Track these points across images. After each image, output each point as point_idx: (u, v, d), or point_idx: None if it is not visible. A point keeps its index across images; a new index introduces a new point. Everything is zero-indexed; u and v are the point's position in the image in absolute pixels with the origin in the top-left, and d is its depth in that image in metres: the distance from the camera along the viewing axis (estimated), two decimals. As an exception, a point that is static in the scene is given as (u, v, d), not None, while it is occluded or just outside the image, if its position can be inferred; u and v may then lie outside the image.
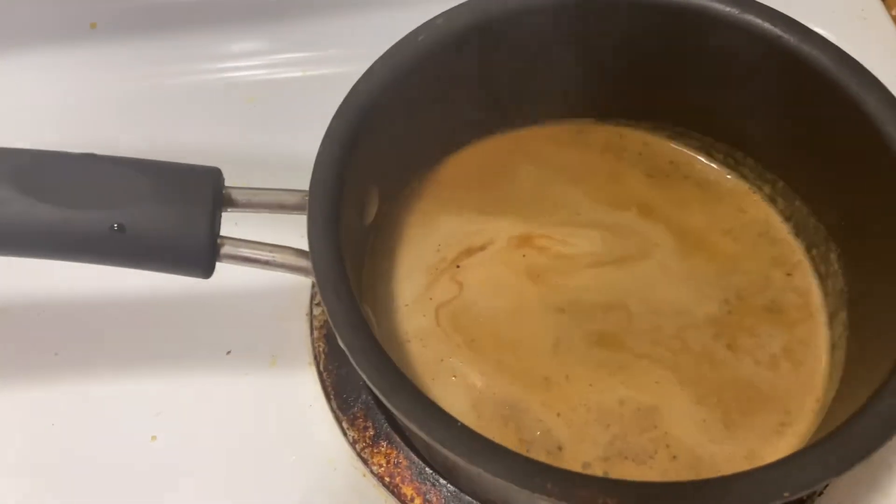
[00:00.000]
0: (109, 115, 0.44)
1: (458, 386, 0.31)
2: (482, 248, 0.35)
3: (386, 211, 0.34)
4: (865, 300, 0.29)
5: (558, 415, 0.30)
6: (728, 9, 0.30)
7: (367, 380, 0.23)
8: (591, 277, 0.34)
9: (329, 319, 0.25)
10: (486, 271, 0.34)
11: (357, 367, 0.24)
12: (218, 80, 0.46)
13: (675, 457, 0.29)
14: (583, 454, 0.29)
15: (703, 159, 0.37)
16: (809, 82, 0.29)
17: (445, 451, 0.22)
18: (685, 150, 0.37)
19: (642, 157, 0.37)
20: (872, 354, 0.26)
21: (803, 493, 0.21)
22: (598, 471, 0.28)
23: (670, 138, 0.37)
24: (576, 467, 0.28)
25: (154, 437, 0.34)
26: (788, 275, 0.34)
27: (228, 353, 0.36)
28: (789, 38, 0.29)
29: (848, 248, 0.31)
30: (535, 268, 0.35)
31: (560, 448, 0.29)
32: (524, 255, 0.35)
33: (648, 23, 0.32)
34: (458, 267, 0.35)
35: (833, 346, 0.31)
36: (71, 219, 0.24)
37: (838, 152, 0.30)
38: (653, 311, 0.32)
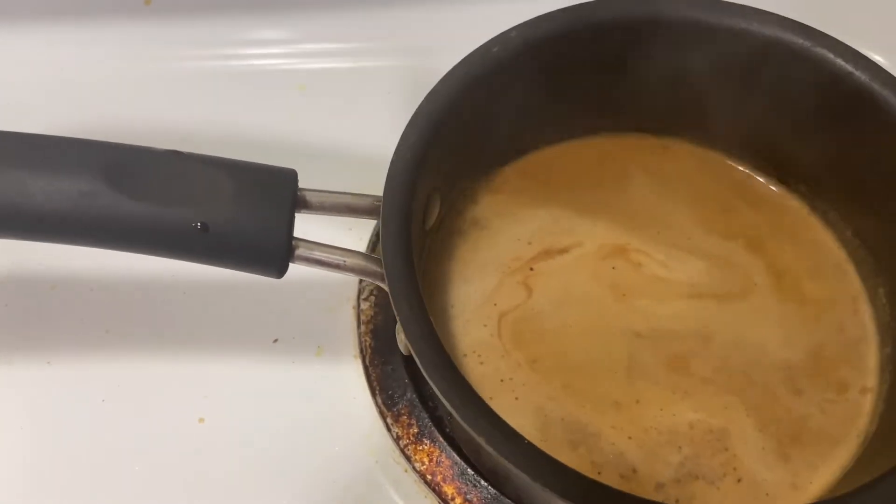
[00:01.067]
0: (160, 93, 0.44)
1: (522, 407, 0.31)
2: (565, 250, 0.34)
3: (445, 216, 0.34)
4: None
5: (630, 437, 0.30)
6: (800, 40, 0.31)
7: (438, 391, 0.24)
8: (685, 308, 0.33)
9: (402, 328, 0.25)
10: (563, 279, 0.34)
11: (428, 378, 0.24)
12: (270, 66, 0.46)
13: (740, 479, 0.30)
14: (656, 476, 0.30)
15: (782, 190, 0.36)
16: (877, 122, 0.30)
17: (511, 467, 0.23)
18: (771, 183, 0.36)
19: (745, 189, 0.36)
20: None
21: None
22: (671, 492, 0.29)
23: (763, 171, 0.37)
24: (650, 488, 0.29)
25: (202, 419, 0.35)
26: (855, 313, 0.34)
27: (275, 341, 0.37)
28: (860, 75, 0.30)
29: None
30: (622, 285, 0.33)
31: (634, 470, 0.30)
32: (614, 268, 0.34)
33: (719, 44, 0.32)
34: (531, 270, 0.34)
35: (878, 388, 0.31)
36: (155, 215, 0.25)
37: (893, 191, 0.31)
38: (733, 345, 0.32)
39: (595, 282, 0.34)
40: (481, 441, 0.23)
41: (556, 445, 0.29)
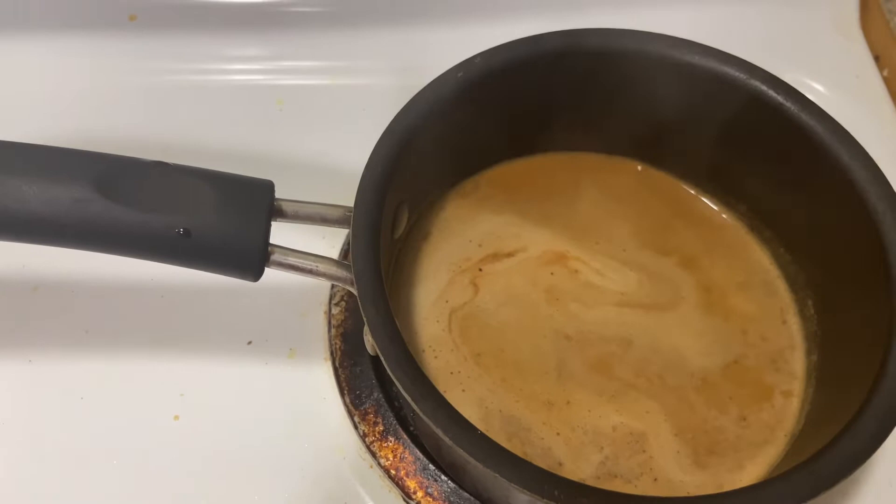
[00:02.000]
0: (144, 105, 0.46)
1: (468, 399, 0.34)
2: (511, 254, 0.37)
3: (412, 224, 0.37)
4: (834, 346, 0.33)
5: (558, 434, 0.33)
6: (737, 73, 0.34)
7: (400, 386, 0.26)
8: (612, 314, 0.36)
9: (368, 329, 0.28)
10: (506, 280, 0.36)
11: (392, 375, 0.27)
12: (250, 81, 0.48)
13: (655, 479, 0.32)
14: (579, 472, 0.32)
15: (723, 209, 0.39)
16: (805, 149, 0.33)
17: (465, 455, 0.25)
18: (713, 203, 0.39)
19: (687, 208, 0.39)
20: (836, 400, 0.30)
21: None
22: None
23: (706, 191, 0.39)
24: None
25: (177, 417, 0.37)
26: (784, 322, 0.36)
27: (249, 343, 0.39)
28: (791, 105, 0.33)
29: (822, 296, 0.34)
30: (557, 289, 0.36)
31: (560, 464, 0.32)
32: (552, 273, 0.37)
33: (666, 75, 0.35)
34: (480, 270, 0.37)
35: (804, 392, 0.34)
36: (142, 221, 0.27)
37: (821, 210, 0.34)
38: (651, 351, 0.35)
39: (533, 285, 0.37)
40: (438, 431, 0.26)
41: (494, 435, 0.31)
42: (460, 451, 0.26)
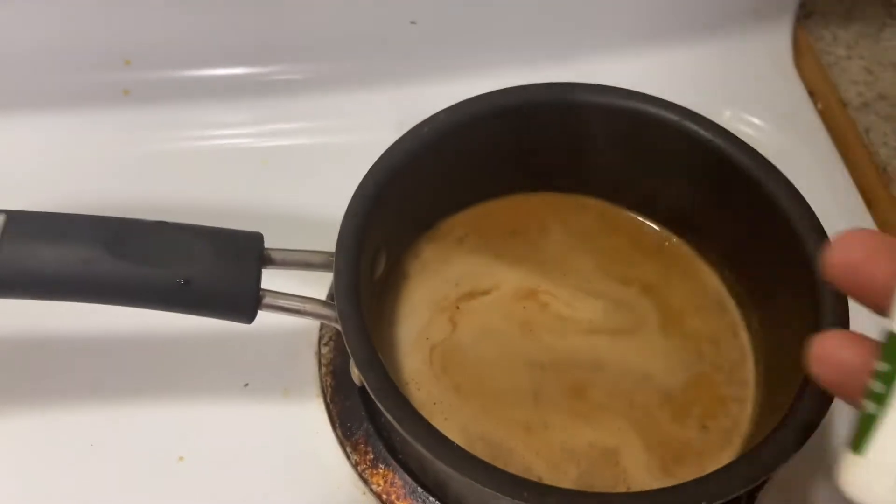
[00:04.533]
0: (139, 172, 0.50)
1: (451, 427, 0.36)
2: (486, 292, 0.40)
3: (391, 266, 0.40)
4: (776, 355, 0.36)
5: (537, 453, 0.36)
6: (673, 116, 0.38)
7: (385, 410, 0.29)
8: (582, 342, 0.39)
9: (353, 360, 0.31)
10: (482, 316, 0.39)
11: (375, 398, 0.30)
12: (236, 144, 0.52)
13: (629, 488, 0.35)
14: (558, 484, 0.34)
15: (674, 239, 0.43)
16: (736, 180, 0.37)
17: (445, 467, 0.28)
18: (665, 232, 0.43)
19: (645, 239, 0.43)
20: (777, 402, 0.33)
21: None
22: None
23: (659, 222, 0.43)
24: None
25: (182, 458, 0.40)
26: (735, 336, 0.40)
27: (246, 385, 0.42)
28: (719, 142, 0.37)
29: (763, 309, 0.38)
30: (530, 322, 0.39)
31: (540, 479, 0.35)
32: (524, 308, 0.40)
33: (613, 121, 0.39)
34: (457, 308, 0.40)
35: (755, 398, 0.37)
36: (146, 275, 0.30)
37: (754, 233, 0.38)
38: (621, 374, 0.38)
39: (508, 319, 0.40)
40: (419, 447, 0.29)
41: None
42: (440, 465, 0.29)
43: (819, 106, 0.55)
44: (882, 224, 0.49)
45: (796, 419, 0.30)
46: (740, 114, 0.52)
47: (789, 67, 0.56)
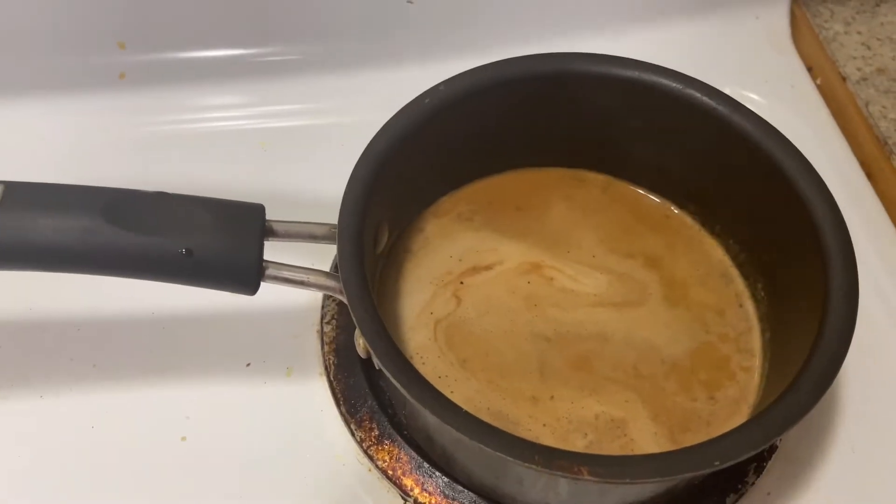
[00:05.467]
0: (137, 155, 0.49)
1: (457, 399, 0.34)
2: (489, 267, 0.40)
3: (394, 242, 0.40)
4: (782, 323, 0.36)
5: (544, 425, 0.36)
6: (673, 84, 0.38)
7: (390, 375, 0.29)
8: (587, 315, 0.39)
9: (358, 328, 0.30)
10: (486, 291, 0.39)
11: (380, 365, 0.29)
12: (234, 126, 0.51)
13: None
14: None
15: (677, 211, 0.43)
16: (739, 146, 0.36)
17: (454, 432, 0.28)
18: (668, 205, 0.43)
19: (647, 212, 0.42)
20: (784, 370, 0.33)
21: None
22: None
23: (662, 195, 0.43)
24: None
25: (184, 438, 0.39)
26: (741, 306, 0.40)
27: (248, 364, 0.41)
28: (722, 109, 0.37)
29: (769, 279, 0.38)
30: (535, 296, 0.39)
31: None
32: (529, 282, 0.40)
33: (613, 91, 0.39)
34: (461, 283, 0.40)
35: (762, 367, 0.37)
36: (147, 244, 0.30)
37: (759, 201, 0.38)
38: (626, 344, 0.38)
39: (513, 294, 0.40)
40: (426, 412, 0.28)
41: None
42: (448, 432, 0.28)
43: (818, 81, 0.55)
44: (883, 196, 0.49)
45: (806, 383, 0.30)
46: (739, 90, 0.52)
47: (787, 43, 0.56)
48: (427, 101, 0.37)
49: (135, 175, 0.48)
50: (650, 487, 0.34)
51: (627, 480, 0.27)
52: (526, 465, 0.27)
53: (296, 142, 0.51)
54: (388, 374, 0.29)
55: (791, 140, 0.37)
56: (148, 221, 0.30)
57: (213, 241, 0.31)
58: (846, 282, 0.32)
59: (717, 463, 0.27)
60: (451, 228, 0.42)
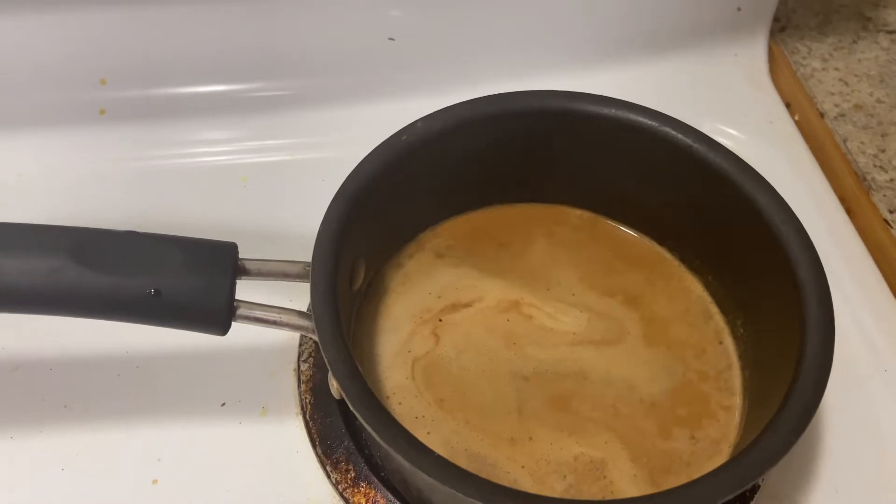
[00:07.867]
0: (116, 190, 0.49)
1: (434, 441, 0.35)
2: (468, 304, 0.40)
3: (372, 278, 0.40)
4: (761, 361, 0.36)
5: (523, 467, 0.35)
6: (650, 122, 0.38)
7: (361, 419, 0.29)
8: (566, 353, 0.38)
9: (330, 369, 0.30)
10: (465, 328, 0.39)
11: (353, 409, 0.29)
12: (215, 162, 0.51)
13: None
14: None
15: (657, 247, 0.42)
16: (714, 183, 0.36)
17: (426, 477, 0.27)
18: (647, 241, 0.43)
19: (628, 249, 0.42)
20: (764, 411, 0.33)
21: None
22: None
23: (640, 231, 0.42)
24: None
25: (155, 481, 0.38)
26: (720, 343, 0.39)
27: (223, 404, 0.41)
28: (698, 147, 0.37)
29: (749, 315, 0.38)
30: (514, 334, 0.39)
31: None
32: (508, 320, 0.39)
33: (591, 129, 0.39)
34: (440, 321, 0.39)
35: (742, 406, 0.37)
36: (115, 285, 0.29)
37: (735, 238, 0.38)
38: (605, 384, 0.37)
39: (491, 332, 0.39)
40: (398, 457, 0.28)
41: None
42: (421, 476, 0.28)
43: (796, 117, 0.56)
44: (862, 231, 0.49)
45: (784, 423, 0.29)
46: (718, 126, 0.53)
47: (765, 80, 0.57)
48: (404, 137, 0.37)
49: (113, 212, 0.47)
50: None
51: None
52: (499, 510, 0.26)
53: (277, 177, 0.51)
54: (359, 418, 0.29)
55: (770, 176, 0.37)
56: (117, 261, 0.30)
57: (183, 282, 0.30)
58: (821, 319, 0.32)
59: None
60: (430, 265, 0.42)
